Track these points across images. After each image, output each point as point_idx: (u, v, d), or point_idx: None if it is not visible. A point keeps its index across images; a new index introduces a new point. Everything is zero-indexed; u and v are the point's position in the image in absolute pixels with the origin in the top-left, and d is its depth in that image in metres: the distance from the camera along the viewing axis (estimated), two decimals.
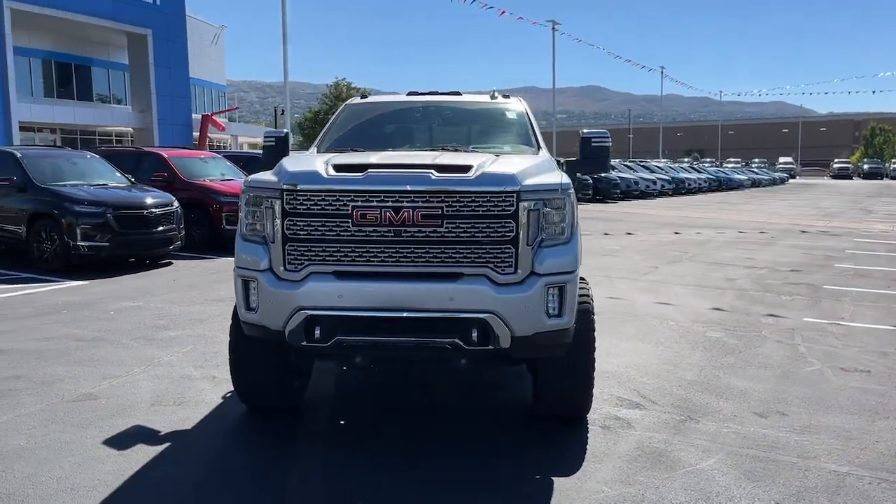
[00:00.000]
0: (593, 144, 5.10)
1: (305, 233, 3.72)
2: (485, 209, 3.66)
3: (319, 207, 3.70)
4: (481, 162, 3.87)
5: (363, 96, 5.94)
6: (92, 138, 46.47)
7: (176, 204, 11.24)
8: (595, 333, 4.21)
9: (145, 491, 3.48)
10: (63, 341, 6.20)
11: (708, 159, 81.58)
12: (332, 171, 3.77)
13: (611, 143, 5.17)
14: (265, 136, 5.33)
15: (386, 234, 3.67)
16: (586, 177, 28.01)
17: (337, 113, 5.57)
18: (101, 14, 41.54)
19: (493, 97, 5.64)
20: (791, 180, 66.42)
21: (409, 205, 3.65)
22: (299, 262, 3.74)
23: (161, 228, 10.76)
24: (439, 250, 3.67)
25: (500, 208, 3.66)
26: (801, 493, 3.49)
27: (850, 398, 4.92)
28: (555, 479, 3.63)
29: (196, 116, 48.39)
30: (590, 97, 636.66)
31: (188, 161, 14.13)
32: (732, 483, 3.59)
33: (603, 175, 30.41)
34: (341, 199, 3.68)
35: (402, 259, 3.69)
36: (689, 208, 26.40)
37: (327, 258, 3.72)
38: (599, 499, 3.41)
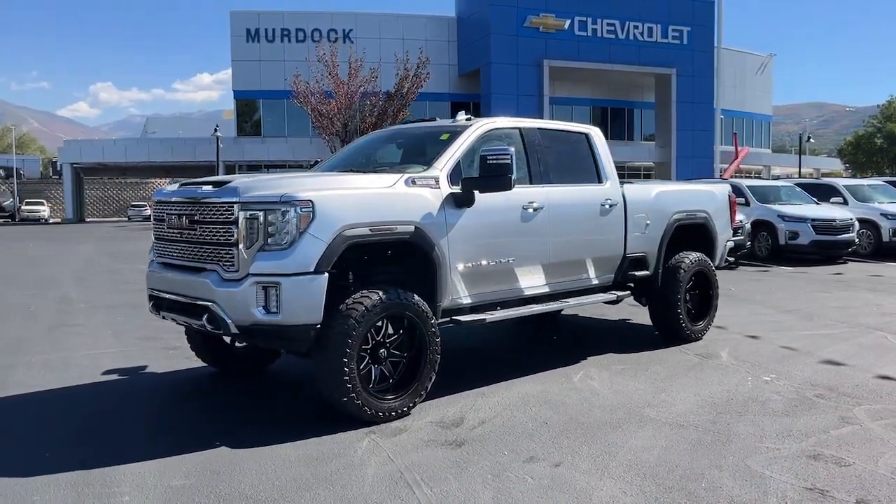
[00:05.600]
0: (489, 162, 5.06)
1: (156, 232, 5.16)
2: (215, 217, 4.53)
3: (158, 213, 5.10)
4: (248, 179, 4.68)
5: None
6: (622, 172, 51.09)
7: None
8: (351, 339, 4.44)
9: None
10: None
11: None
12: (174, 187, 5.10)
13: (509, 161, 5.03)
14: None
15: (175, 235, 4.86)
16: None
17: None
18: (627, 61, 45.64)
19: (454, 120, 5.90)
20: None
21: (183, 212, 4.78)
22: (156, 253, 5.19)
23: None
24: (197, 248, 4.69)
25: (224, 216, 4.48)
26: None
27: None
28: (208, 449, 4.19)
29: (722, 148, 48.73)
30: None
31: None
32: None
33: None
34: (162, 207, 5.02)
35: (182, 254, 4.83)
36: None
37: (162, 252, 5.08)
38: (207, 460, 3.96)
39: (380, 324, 4.70)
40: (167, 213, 4.95)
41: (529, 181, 5.82)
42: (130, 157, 45.60)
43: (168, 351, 6.77)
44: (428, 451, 4.19)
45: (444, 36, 46.17)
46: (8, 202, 53.41)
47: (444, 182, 5.16)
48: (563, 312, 8.65)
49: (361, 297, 4.57)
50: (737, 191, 16.77)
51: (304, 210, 4.38)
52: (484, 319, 5.39)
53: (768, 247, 15.80)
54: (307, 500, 3.51)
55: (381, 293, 4.62)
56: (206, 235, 4.61)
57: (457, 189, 5.18)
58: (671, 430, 4.54)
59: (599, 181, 6.45)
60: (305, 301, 4.37)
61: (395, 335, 4.82)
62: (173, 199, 4.92)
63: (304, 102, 35.69)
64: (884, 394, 5.36)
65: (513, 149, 5.14)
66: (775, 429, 4.57)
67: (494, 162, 5.03)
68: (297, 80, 35.19)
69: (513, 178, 5.10)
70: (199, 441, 4.32)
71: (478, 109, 43.88)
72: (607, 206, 6.34)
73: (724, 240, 7.72)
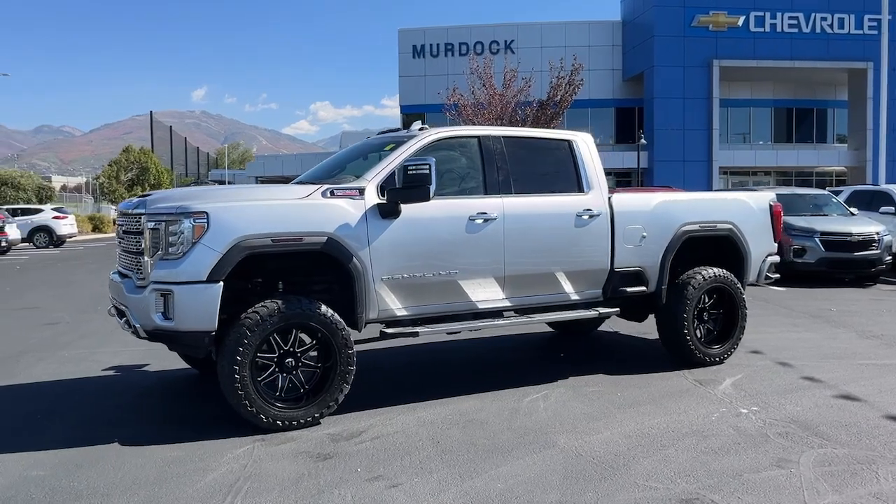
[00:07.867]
0: (409, 172, 4.97)
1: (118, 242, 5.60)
2: (131, 227, 4.86)
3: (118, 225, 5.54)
4: (163, 192, 4.96)
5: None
6: (809, 179, 46.87)
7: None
8: (243, 347, 4.54)
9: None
10: None
11: None
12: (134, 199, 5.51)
13: (428, 171, 4.90)
14: None
15: (120, 244, 5.25)
16: None
17: None
18: (813, 57, 41.91)
19: (408, 129, 5.81)
20: None
21: (120, 223, 5.16)
22: (117, 262, 5.63)
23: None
24: (126, 257, 5.04)
25: (135, 227, 4.80)
26: None
27: None
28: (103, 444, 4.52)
29: None
30: None
31: None
32: None
33: None
34: (118, 219, 5.44)
35: (122, 262, 5.20)
36: None
37: (118, 260, 5.50)
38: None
39: (288, 333, 4.78)
40: (117, 225, 5.39)
41: (484, 191, 5.61)
42: (306, 170, 49.02)
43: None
44: (288, 462, 4.19)
45: (608, 41, 44.99)
46: None
47: (371, 193, 5.12)
48: (600, 328, 8.21)
49: (260, 306, 4.67)
50: (885, 197, 14.84)
51: (197, 221, 4.57)
52: (416, 333, 5.28)
53: None
54: (122, 501, 3.66)
55: (280, 302, 4.70)
56: (129, 245, 4.96)
57: (384, 200, 5.14)
58: (561, 460, 4.18)
59: (580, 190, 6.05)
60: (197, 308, 4.54)
61: (309, 345, 4.88)
62: (119, 211, 5.34)
63: (459, 114, 36.40)
64: (868, 437, 4.55)
65: (433, 159, 5.00)
66: (684, 467, 4.06)
67: (414, 172, 4.93)
68: (453, 93, 35.95)
69: (431, 188, 4.96)
70: (102, 436, 4.65)
71: (642, 115, 42.32)
72: (586, 217, 5.93)
73: (762, 255, 6.90)
